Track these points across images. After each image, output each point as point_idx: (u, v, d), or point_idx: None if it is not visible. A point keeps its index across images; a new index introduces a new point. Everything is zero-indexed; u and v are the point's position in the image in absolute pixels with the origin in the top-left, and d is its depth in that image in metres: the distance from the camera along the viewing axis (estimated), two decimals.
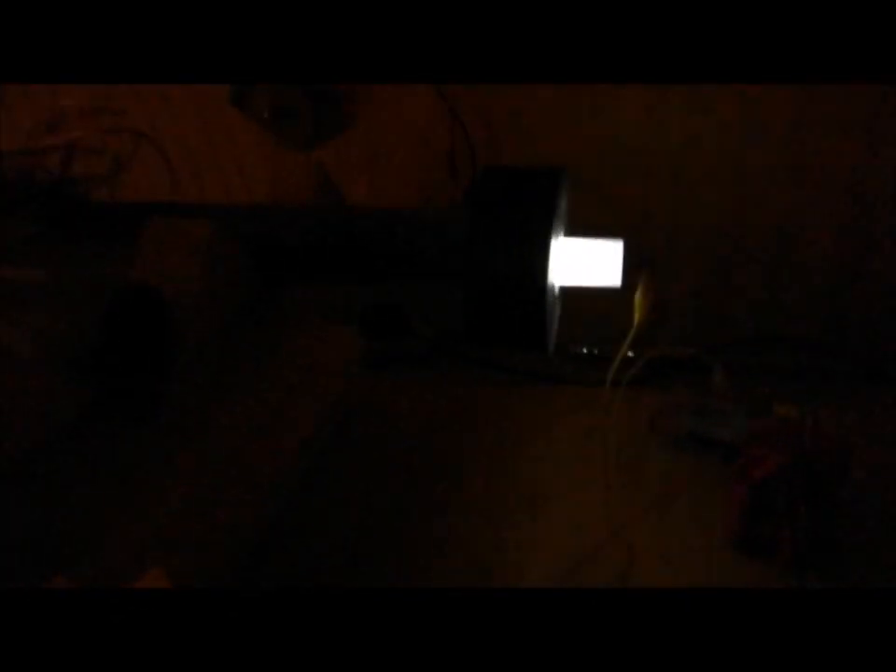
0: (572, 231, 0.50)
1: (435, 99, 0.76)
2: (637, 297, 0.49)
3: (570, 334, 0.64)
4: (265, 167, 0.79)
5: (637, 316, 0.49)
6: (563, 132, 0.74)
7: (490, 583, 0.51)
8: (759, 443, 0.53)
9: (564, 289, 0.50)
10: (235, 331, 0.51)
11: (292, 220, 0.55)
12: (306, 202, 0.72)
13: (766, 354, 0.71)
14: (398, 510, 0.59)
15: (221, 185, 0.73)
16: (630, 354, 0.59)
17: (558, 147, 0.74)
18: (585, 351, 0.80)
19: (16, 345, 0.36)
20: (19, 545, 0.34)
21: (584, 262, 0.49)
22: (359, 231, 0.56)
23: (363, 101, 0.79)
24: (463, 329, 0.49)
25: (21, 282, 0.43)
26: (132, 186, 0.62)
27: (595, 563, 0.54)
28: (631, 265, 0.49)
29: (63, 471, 0.36)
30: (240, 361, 0.52)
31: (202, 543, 0.41)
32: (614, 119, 0.73)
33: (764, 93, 0.69)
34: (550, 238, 0.46)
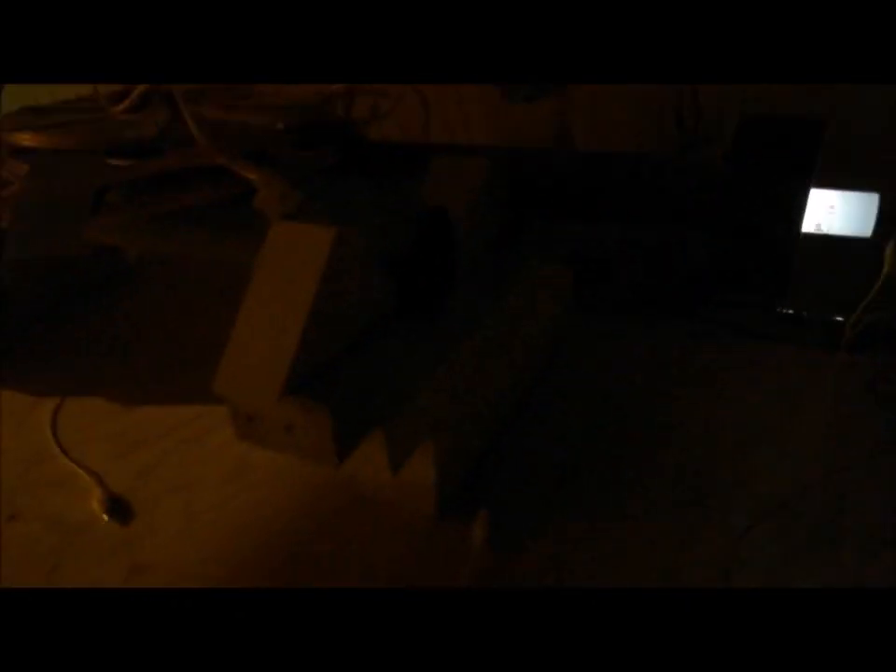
0: (828, 181, 0.51)
1: None
2: (890, 250, 0.50)
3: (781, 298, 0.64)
4: (497, 117, 0.85)
5: (886, 268, 0.50)
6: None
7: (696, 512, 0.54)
8: None
9: (818, 238, 0.52)
10: (491, 253, 0.58)
11: (539, 161, 0.61)
12: (547, 146, 0.77)
13: None
14: (606, 449, 0.61)
15: (466, 130, 0.81)
16: (840, 319, 0.59)
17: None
18: (792, 312, 0.80)
19: (351, 245, 0.44)
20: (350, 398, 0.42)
21: (838, 212, 0.50)
22: (596, 173, 0.60)
23: None
24: (706, 272, 0.52)
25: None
26: (396, 128, 0.71)
27: (803, 503, 0.56)
28: (886, 218, 0.50)
29: (379, 348, 0.45)
30: (488, 280, 0.59)
31: (457, 423, 0.50)
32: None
33: None
34: (808, 188, 0.48)
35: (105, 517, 0.53)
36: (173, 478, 0.58)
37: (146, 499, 0.56)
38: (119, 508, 0.54)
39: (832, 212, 0.51)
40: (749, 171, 0.49)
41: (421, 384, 0.46)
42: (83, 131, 0.53)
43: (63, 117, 0.56)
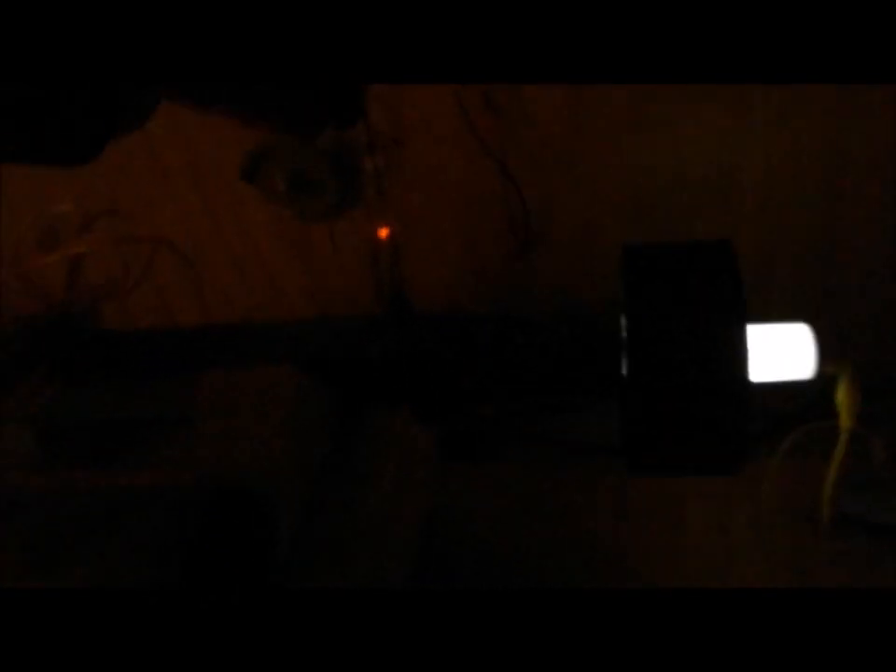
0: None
1: (478, 153, 0.66)
2: (841, 396, 0.38)
3: None
4: (292, 254, 0.66)
5: (844, 422, 0.37)
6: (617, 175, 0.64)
7: None
8: None
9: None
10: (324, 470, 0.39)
11: (368, 337, 0.44)
12: (361, 312, 0.60)
13: None
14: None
15: (246, 287, 0.61)
16: None
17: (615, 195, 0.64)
18: None
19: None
20: None
21: (772, 353, 0.38)
22: (436, 339, 0.45)
23: (395, 162, 0.69)
24: (627, 455, 0.38)
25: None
26: (150, 307, 0.49)
27: None
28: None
29: None
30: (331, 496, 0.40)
31: None
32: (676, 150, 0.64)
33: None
34: (744, 321, 0.35)
35: None
36: None
37: None
38: None
39: (764, 353, 0.39)
40: (656, 314, 0.36)
41: None
42: None
43: None
